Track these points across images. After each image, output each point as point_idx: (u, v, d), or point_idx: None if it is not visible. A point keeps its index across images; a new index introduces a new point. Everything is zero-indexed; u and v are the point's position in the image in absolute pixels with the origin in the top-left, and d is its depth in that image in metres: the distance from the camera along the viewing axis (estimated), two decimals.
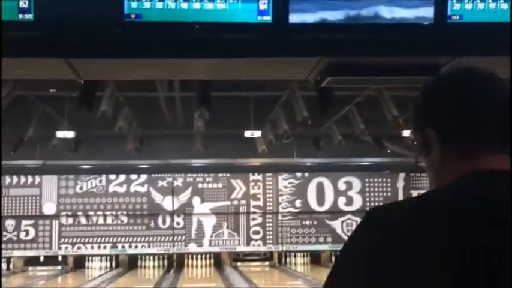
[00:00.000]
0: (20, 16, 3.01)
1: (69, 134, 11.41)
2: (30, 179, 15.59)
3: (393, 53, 4.06)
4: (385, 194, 16.28)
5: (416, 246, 0.97)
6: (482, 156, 1.03)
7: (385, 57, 4.18)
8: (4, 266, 15.65)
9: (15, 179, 15.53)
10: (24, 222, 15.62)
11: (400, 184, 16.44)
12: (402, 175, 16.42)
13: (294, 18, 3.25)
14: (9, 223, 15.58)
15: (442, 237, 0.96)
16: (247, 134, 11.92)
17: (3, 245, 15.58)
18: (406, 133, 11.59)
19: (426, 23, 3.54)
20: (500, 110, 1.03)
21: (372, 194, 16.27)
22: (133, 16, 3.09)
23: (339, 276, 1.04)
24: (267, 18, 3.20)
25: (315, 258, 16.15)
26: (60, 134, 11.39)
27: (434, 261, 0.95)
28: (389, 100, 9.86)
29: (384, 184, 16.35)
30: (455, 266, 0.94)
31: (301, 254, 16.15)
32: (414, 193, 16.46)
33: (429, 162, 1.13)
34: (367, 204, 16.17)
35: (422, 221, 0.99)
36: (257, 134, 12.03)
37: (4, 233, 15.59)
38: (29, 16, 3.00)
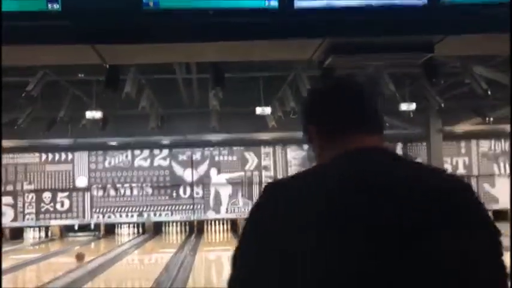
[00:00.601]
0: (49, 6, 2.99)
1: (97, 114, 11.43)
2: (63, 155, 15.71)
3: (390, 33, 4.01)
4: None
5: (298, 212, 1.08)
6: (350, 139, 1.21)
7: (383, 37, 4.13)
8: (43, 233, 15.87)
9: (50, 155, 15.65)
10: (59, 195, 15.79)
11: (398, 153, 16.32)
12: (400, 145, 16.36)
13: (299, 3, 3.21)
14: (46, 195, 15.75)
15: (322, 202, 1.08)
16: (259, 110, 11.87)
17: (42, 215, 15.77)
18: (403, 107, 11.48)
19: (421, 4, 3.49)
20: (360, 106, 1.25)
21: None
22: (151, 4, 3.07)
23: (244, 242, 1.15)
24: (274, 3, 3.16)
25: None
26: (89, 115, 11.40)
27: (315, 224, 1.06)
28: (387, 77, 9.76)
29: None
30: (330, 226, 1.06)
31: None
32: None
33: (313, 149, 1.30)
34: None
35: (306, 192, 1.11)
36: (267, 110, 11.98)
37: (42, 204, 15.77)
38: (56, 6, 2.99)
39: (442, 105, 11.30)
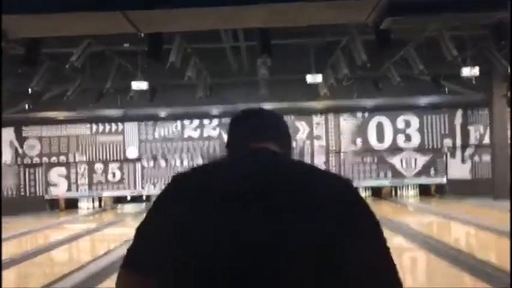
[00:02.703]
0: None
1: (143, 85, 11.22)
2: (114, 126, 15.70)
3: None
4: (442, 131, 15.48)
5: (196, 197, 1.30)
6: (252, 144, 1.48)
7: None
8: (96, 204, 16.03)
9: (101, 127, 15.68)
10: (111, 166, 15.85)
11: (458, 121, 15.57)
12: (459, 112, 15.53)
13: None
14: (98, 166, 15.84)
15: (215, 190, 1.31)
16: (309, 78, 11.37)
17: (94, 186, 15.91)
18: (465, 71, 10.71)
19: None
20: (258, 124, 1.52)
21: (429, 131, 15.52)
22: None
23: (148, 217, 1.35)
24: None
25: (377, 192, 15.72)
26: (135, 85, 11.21)
27: (212, 206, 1.28)
28: (449, 40, 9.05)
29: (442, 121, 15.53)
30: (228, 209, 1.27)
31: (363, 189, 15.73)
32: (471, 128, 15.59)
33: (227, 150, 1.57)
34: (425, 141, 15.45)
35: (202, 181, 1.35)
36: (318, 78, 11.46)
37: (94, 175, 15.90)
38: None
39: (509, 69, 10.49)
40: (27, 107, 13.04)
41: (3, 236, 7.16)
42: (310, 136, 15.59)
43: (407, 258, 7.53)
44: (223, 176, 1.36)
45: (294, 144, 15.52)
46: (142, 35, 5.11)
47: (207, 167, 1.43)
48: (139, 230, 1.34)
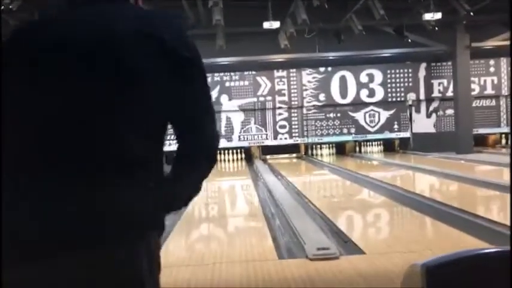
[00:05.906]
0: None
1: None
2: None
3: None
4: (406, 84, 15.31)
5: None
6: None
7: None
8: None
9: None
10: None
11: (422, 74, 15.41)
12: (423, 65, 15.36)
13: None
14: None
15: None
16: (266, 25, 10.94)
17: None
18: (428, 16, 10.44)
19: None
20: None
21: (393, 85, 15.33)
22: None
23: None
24: None
25: (340, 148, 15.58)
26: None
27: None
28: None
29: (405, 75, 15.35)
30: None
31: (327, 145, 15.56)
32: (435, 82, 15.48)
33: None
34: (389, 95, 15.28)
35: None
36: (276, 25, 11.03)
37: None
38: None
39: (471, 13, 10.26)
40: None
41: None
42: (272, 92, 15.25)
43: (374, 210, 7.36)
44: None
45: (255, 99, 15.31)
46: None
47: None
48: None
